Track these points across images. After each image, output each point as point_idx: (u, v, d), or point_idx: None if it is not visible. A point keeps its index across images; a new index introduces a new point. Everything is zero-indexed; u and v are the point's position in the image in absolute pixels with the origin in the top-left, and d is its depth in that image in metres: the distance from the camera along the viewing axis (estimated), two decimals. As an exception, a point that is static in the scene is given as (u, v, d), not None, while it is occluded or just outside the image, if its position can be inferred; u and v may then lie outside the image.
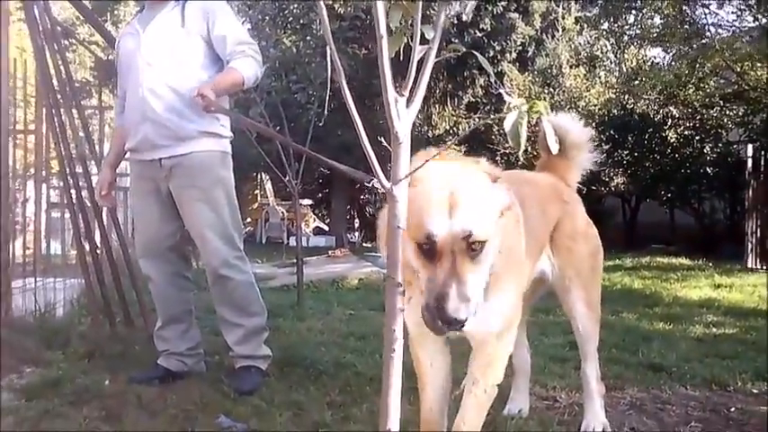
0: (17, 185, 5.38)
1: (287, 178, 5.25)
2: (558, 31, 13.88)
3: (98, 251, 3.81)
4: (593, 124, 11.25)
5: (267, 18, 8.22)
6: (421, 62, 1.36)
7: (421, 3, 1.32)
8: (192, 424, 2.55)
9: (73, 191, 3.76)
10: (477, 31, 12.53)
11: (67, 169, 3.61)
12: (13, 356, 3.30)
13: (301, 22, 10.39)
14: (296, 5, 9.83)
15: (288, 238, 12.47)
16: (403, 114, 1.33)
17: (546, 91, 13.05)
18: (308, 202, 14.50)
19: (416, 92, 1.36)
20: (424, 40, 1.37)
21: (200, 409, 2.70)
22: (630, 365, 3.42)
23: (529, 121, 1.26)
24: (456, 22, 12.21)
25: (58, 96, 3.62)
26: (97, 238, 3.96)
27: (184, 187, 2.96)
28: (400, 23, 1.38)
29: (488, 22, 12.50)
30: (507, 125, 1.22)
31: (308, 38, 8.12)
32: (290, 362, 3.30)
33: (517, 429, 2.52)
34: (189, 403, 2.75)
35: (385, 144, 1.47)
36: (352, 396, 2.87)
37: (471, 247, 1.49)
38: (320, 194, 15.42)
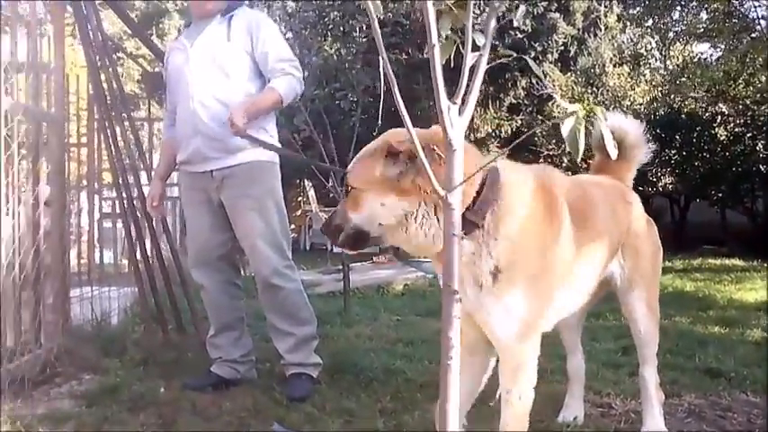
0: (71, 197, 5.55)
1: (330, 184, 5.29)
2: (600, 29, 13.67)
3: (150, 260, 3.88)
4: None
5: (308, 26, 8.29)
6: (472, 69, 1.36)
7: (472, 10, 1.32)
8: (246, 431, 2.59)
9: (125, 201, 3.85)
10: (517, 33, 12.43)
11: (120, 180, 3.70)
12: (73, 364, 3.40)
13: (342, 29, 10.46)
14: (336, 13, 9.90)
15: (331, 245, 12.49)
16: (456, 122, 1.33)
17: (589, 91, 12.84)
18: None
19: (469, 99, 1.36)
20: (474, 47, 1.37)
21: (254, 416, 2.74)
22: (686, 371, 3.34)
23: (586, 126, 1.24)
24: (496, 24, 12.10)
25: (111, 110, 3.71)
26: (148, 247, 4.05)
27: (235, 197, 3.01)
28: (450, 31, 1.38)
29: (529, 23, 12.38)
30: (565, 131, 1.21)
31: (349, 45, 8.15)
32: (339, 369, 3.32)
33: (573, 437, 2.49)
34: (242, 410, 2.80)
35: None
36: (403, 403, 2.87)
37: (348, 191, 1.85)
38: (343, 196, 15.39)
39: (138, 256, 3.86)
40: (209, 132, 2.98)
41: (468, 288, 1.82)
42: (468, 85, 1.34)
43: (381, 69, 1.29)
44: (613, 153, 1.36)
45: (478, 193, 1.79)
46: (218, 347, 3.18)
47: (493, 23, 1.38)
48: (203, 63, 3.02)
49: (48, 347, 3.34)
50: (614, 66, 13.34)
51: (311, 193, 13.52)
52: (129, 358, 3.55)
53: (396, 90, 1.30)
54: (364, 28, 8.29)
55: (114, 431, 2.59)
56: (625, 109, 11.82)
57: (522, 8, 1.75)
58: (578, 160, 1.31)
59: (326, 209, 14.27)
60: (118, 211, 7.21)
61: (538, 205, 1.88)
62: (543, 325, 1.96)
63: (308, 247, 13.58)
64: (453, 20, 1.34)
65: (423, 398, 2.86)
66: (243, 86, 3.02)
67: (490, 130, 13.47)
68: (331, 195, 13.44)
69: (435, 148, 1.66)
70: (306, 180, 13.43)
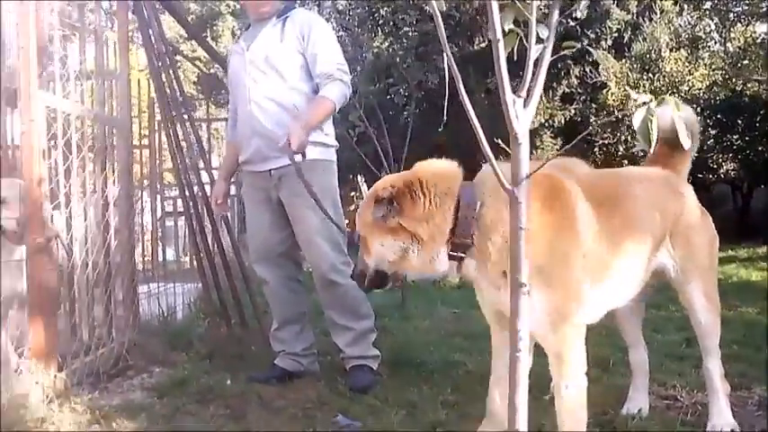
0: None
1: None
2: (655, 13, 13.28)
3: (213, 256, 3.99)
4: (699, 109, 10.69)
5: (359, 23, 8.34)
6: (535, 61, 1.37)
7: (536, 2, 1.33)
8: (311, 422, 2.65)
9: (188, 200, 3.97)
10: (570, 21, 12.20)
11: (183, 179, 3.81)
12: (144, 357, 3.54)
13: (392, 24, 10.47)
14: (386, 9, 9.92)
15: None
16: (521, 115, 1.34)
17: (645, 77, 12.52)
18: (402, 201, 14.49)
19: (533, 92, 1.36)
20: (537, 40, 1.37)
21: (318, 408, 2.80)
22: (755, 363, 3.25)
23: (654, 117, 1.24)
24: (547, 12, 11.93)
25: (173, 111, 3.83)
26: (211, 244, 4.16)
27: (293, 195, 3.07)
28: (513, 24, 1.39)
29: (583, 6, 12.12)
30: (636, 122, 1.21)
31: (400, 40, 8.16)
32: (399, 361, 3.35)
33: (639, 429, 2.46)
34: (307, 402, 2.86)
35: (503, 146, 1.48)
36: (464, 395, 2.88)
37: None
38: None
39: (201, 252, 3.97)
40: (266, 133, 3.05)
41: (493, 292, 1.98)
42: (532, 78, 1.34)
43: (446, 66, 1.31)
44: (687, 143, 1.37)
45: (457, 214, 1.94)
46: (282, 341, 3.25)
47: (556, 15, 1.38)
48: (259, 65, 3.09)
49: (119, 342, 3.49)
50: (671, 50, 12.93)
51: (364, 188, 13.60)
52: (195, 352, 3.67)
53: (461, 86, 1.32)
54: (414, 22, 8.27)
55: (186, 422, 2.68)
56: (683, 94, 11.50)
57: (585, 1, 1.74)
58: (650, 151, 1.31)
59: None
60: (179, 209, 7.45)
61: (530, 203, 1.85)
62: (579, 315, 1.96)
63: (361, 242, 13.66)
64: (516, 13, 1.35)
65: (483, 390, 2.86)
66: (297, 86, 3.09)
67: (543, 120, 13.27)
68: (383, 189, 13.53)
69: (414, 188, 1.94)
70: (359, 175, 13.57)
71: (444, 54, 1.31)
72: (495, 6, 1.26)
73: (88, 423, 2.60)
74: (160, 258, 6.52)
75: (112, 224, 3.51)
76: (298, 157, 2.86)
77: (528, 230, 1.57)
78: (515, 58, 1.43)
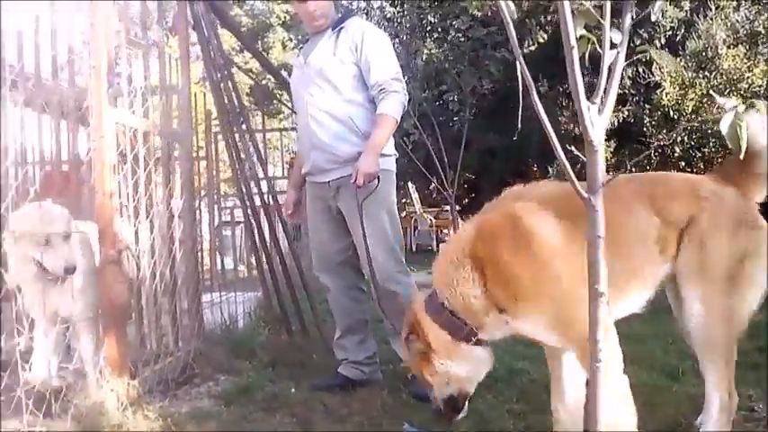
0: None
1: (431, 186, 5.31)
2: (710, 9, 12.92)
3: (273, 265, 4.05)
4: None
5: (408, 29, 8.36)
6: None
7: (610, 7, 1.30)
8: (377, 430, 2.65)
9: (249, 209, 4.03)
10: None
11: (243, 189, 3.88)
12: (209, 366, 3.60)
13: (440, 30, 10.46)
14: (435, 15, 9.91)
15: (437, 245, 12.55)
16: (596, 122, 1.31)
17: (701, 75, 12.17)
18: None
19: (608, 98, 1.34)
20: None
21: (383, 416, 2.80)
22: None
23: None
24: (599, 13, 11.71)
25: (232, 123, 3.90)
26: (271, 253, 4.22)
27: (351, 206, 3.09)
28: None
29: (634, 9, 11.88)
30: (724, 127, 1.17)
31: (450, 46, 8.14)
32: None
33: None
34: (372, 410, 2.86)
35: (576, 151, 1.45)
36: (530, 404, 2.84)
37: None
38: (467, 200, 15.49)
39: (262, 261, 4.02)
40: (323, 146, 3.11)
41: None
42: (606, 84, 1.32)
43: (519, 73, 1.29)
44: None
45: None
46: (344, 349, 3.27)
47: (629, 20, 1.35)
48: (315, 79, 3.14)
49: (186, 350, 3.56)
50: (728, 47, 12.55)
51: (415, 195, 13.62)
52: (258, 360, 3.72)
53: (534, 93, 1.30)
54: (467, 28, 8.25)
55: (254, 430, 2.72)
56: (742, 92, 11.13)
57: (660, 2, 1.70)
58: (741, 157, 1.27)
59: (430, 209, 14.35)
60: (236, 219, 7.57)
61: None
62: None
63: (413, 248, 13.67)
64: (587, 18, 1.33)
65: (548, 399, 2.82)
66: (352, 98, 3.12)
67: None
68: (434, 196, 13.48)
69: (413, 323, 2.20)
70: (409, 182, 13.56)
71: (517, 61, 1.29)
72: (567, 11, 1.24)
73: (161, 429, 2.66)
74: (218, 268, 6.65)
75: (177, 235, 3.59)
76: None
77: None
78: (587, 64, 1.41)
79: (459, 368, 2.20)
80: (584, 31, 1.32)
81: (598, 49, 1.36)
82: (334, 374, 3.27)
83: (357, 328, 3.26)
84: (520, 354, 3.73)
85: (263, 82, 8.58)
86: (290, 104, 9.41)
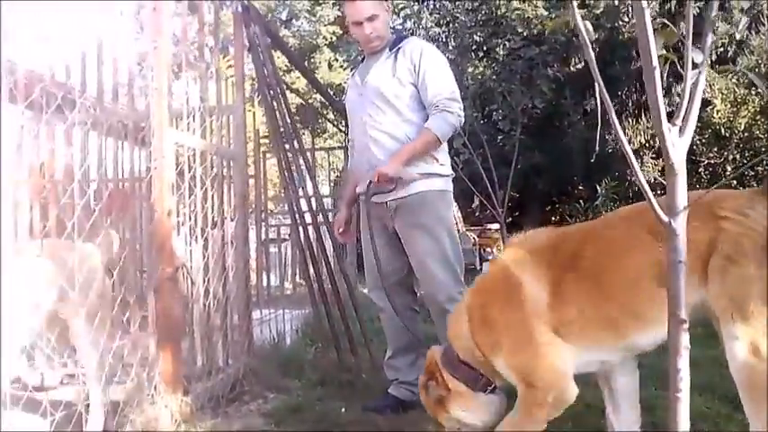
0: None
1: (475, 204, 5.28)
2: (763, 24, 12.62)
3: (322, 283, 4.06)
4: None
5: (457, 49, 8.39)
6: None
7: (692, 26, 1.28)
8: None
9: (299, 227, 4.06)
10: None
11: (295, 207, 3.92)
12: (258, 383, 3.62)
13: (485, 49, 10.47)
14: (479, 34, 9.93)
15: (480, 264, 12.45)
16: (677, 143, 1.29)
17: (753, 92, 11.88)
18: (496, 226, 14.43)
19: (689, 119, 1.31)
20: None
21: (436, 438, 2.77)
22: None
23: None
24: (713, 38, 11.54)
25: (285, 142, 3.96)
26: (320, 271, 4.24)
27: (408, 226, 3.10)
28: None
29: (683, 26, 11.69)
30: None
31: (495, 65, 8.14)
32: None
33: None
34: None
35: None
36: (585, 429, 2.77)
37: None
38: (510, 219, 15.40)
39: (312, 279, 4.04)
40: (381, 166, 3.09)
41: None
42: (687, 105, 1.29)
43: (597, 94, 1.28)
44: None
45: None
46: (396, 369, 3.25)
47: (710, 39, 1.33)
48: (373, 100, 3.15)
49: (236, 367, 3.59)
50: (782, 63, 12.25)
51: (458, 213, 13.59)
52: (307, 379, 3.73)
53: (613, 115, 1.28)
54: (515, 47, 8.25)
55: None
56: (798, 109, 10.82)
57: (745, 19, 1.66)
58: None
59: (473, 228, 14.28)
60: (282, 236, 7.65)
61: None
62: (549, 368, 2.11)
63: (456, 267, 13.59)
64: (666, 37, 1.31)
65: (605, 424, 2.75)
66: (410, 119, 3.12)
67: (643, 141, 12.82)
68: (477, 215, 13.40)
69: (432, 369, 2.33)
70: (454, 203, 13.57)
71: (596, 82, 1.27)
72: (649, 30, 1.22)
73: (214, 447, 2.69)
74: (264, 285, 6.72)
75: (230, 253, 3.64)
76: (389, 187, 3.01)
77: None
78: (664, 85, 1.38)
79: (474, 417, 2.30)
80: (663, 51, 1.30)
81: (680, 69, 1.34)
82: (384, 395, 3.25)
83: (409, 349, 3.24)
84: (575, 377, 3.66)
85: (310, 101, 8.70)
86: (335, 123, 9.55)
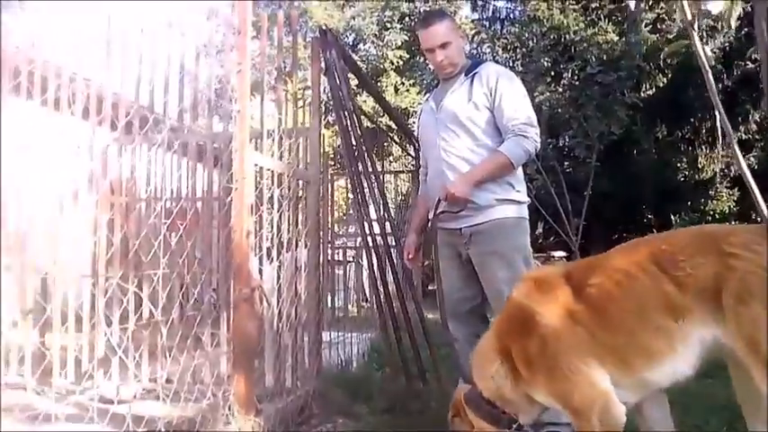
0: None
1: (539, 231, 5.16)
2: None
3: (394, 308, 4.02)
4: None
5: (531, 75, 8.31)
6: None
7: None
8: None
9: (371, 250, 4.04)
10: (748, 63, 11.42)
11: (368, 231, 3.91)
12: (327, 407, 3.60)
13: (552, 74, 10.34)
14: (546, 59, 9.83)
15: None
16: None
17: None
18: (561, 254, 14.13)
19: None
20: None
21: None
22: None
23: None
24: (723, 54, 11.26)
25: (359, 165, 3.97)
26: (390, 294, 4.20)
27: (484, 254, 3.04)
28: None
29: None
30: None
31: (582, 91, 7.98)
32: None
33: None
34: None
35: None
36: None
37: None
38: (577, 246, 15.11)
39: (383, 303, 4.01)
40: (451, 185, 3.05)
41: None
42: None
43: (719, 123, 1.21)
44: None
45: None
46: (470, 400, 3.17)
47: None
48: (449, 125, 3.12)
49: (305, 390, 3.58)
50: None
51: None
52: (376, 404, 3.68)
53: (734, 141, 1.21)
54: (584, 71, 8.12)
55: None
56: None
57: None
58: None
59: (537, 255, 14.03)
60: (347, 258, 7.67)
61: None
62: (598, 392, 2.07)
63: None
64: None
65: None
66: (486, 144, 3.07)
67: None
68: (539, 241, 13.16)
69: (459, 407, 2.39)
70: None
71: (716, 110, 1.21)
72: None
73: (286, 470, 2.66)
74: (329, 307, 6.71)
75: (303, 275, 3.66)
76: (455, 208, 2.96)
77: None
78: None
79: None
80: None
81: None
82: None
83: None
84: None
85: (372, 126, 8.79)
86: (403, 147, 9.57)
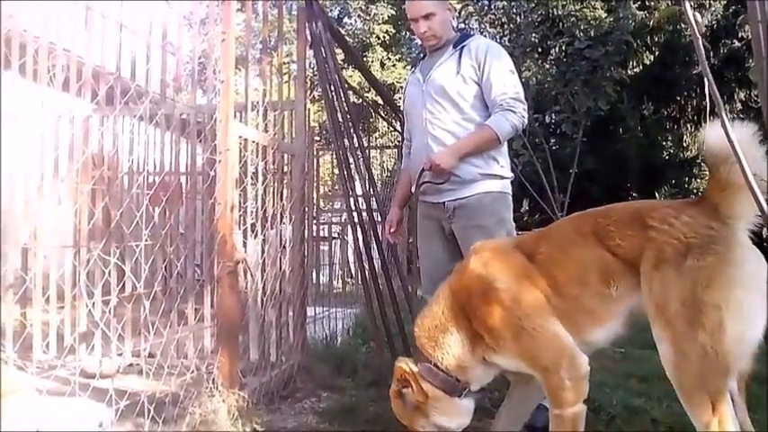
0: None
1: (524, 208, 5.18)
2: None
3: (378, 283, 4.02)
4: None
5: (518, 50, 8.24)
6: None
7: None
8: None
9: (356, 225, 4.03)
10: (734, 41, 11.43)
11: (354, 206, 3.88)
12: (311, 381, 3.61)
13: (539, 49, 10.29)
14: (534, 35, 9.75)
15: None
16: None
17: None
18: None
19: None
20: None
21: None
22: None
23: None
24: (710, 32, 11.26)
25: (345, 139, 3.93)
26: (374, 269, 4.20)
27: (467, 228, 3.02)
28: None
29: (747, 29, 11.30)
30: None
31: (570, 66, 7.93)
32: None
33: None
34: (482, 437, 2.77)
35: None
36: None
37: None
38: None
39: (368, 278, 4.01)
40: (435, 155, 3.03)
41: None
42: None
43: (707, 91, 1.19)
44: None
45: None
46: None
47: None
48: (435, 97, 3.08)
49: (290, 364, 3.58)
50: None
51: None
52: (360, 379, 3.69)
53: (724, 115, 1.20)
54: (572, 46, 8.06)
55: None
56: None
57: None
58: None
59: (521, 232, 14.08)
60: (332, 235, 7.66)
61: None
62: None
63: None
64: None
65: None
66: (472, 118, 3.05)
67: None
68: (525, 218, 13.22)
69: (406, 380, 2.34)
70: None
71: (705, 78, 1.19)
72: (761, 28, 1.13)
73: (270, 443, 2.67)
74: (314, 282, 6.72)
75: (287, 249, 3.63)
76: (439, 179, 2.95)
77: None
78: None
79: (453, 421, 2.38)
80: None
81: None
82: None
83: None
84: (634, 389, 3.55)
85: (359, 101, 8.72)
86: (389, 122, 9.52)
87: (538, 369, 2.22)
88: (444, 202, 3.07)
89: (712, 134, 2.05)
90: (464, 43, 3.11)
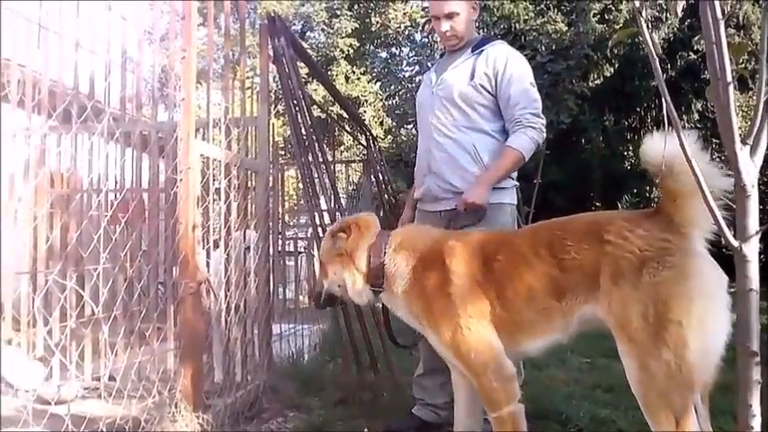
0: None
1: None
2: (784, 41, 12.51)
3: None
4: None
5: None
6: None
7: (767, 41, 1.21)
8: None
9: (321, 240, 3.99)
10: (690, 53, 11.73)
11: (318, 222, 3.84)
12: (278, 401, 3.55)
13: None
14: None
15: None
16: (749, 164, 1.21)
17: (774, 111, 11.76)
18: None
19: (761, 138, 1.23)
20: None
21: (460, 463, 2.68)
22: None
23: None
24: (667, 45, 11.54)
25: (309, 155, 3.90)
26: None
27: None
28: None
29: (703, 42, 11.60)
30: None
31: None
32: (542, 415, 3.17)
33: None
34: (451, 455, 2.74)
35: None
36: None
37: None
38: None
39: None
40: (440, 173, 2.99)
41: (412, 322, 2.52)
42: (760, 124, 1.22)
43: (665, 110, 1.20)
44: None
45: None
46: (424, 389, 3.15)
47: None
48: (445, 102, 3.00)
49: (255, 384, 3.51)
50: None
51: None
52: (328, 397, 3.64)
53: (680, 131, 1.21)
54: (543, 62, 8.14)
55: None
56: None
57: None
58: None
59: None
60: (298, 249, 7.58)
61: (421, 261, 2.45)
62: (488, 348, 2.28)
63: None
64: (738, 52, 1.24)
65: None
66: (482, 127, 2.96)
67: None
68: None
69: (353, 226, 2.54)
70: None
71: (663, 97, 1.20)
72: (724, 45, 1.15)
73: (236, 468, 2.61)
74: (280, 298, 6.64)
75: (252, 267, 3.58)
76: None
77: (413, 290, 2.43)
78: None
79: (353, 289, 2.55)
80: (734, 66, 1.22)
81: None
82: (409, 416, 3.16)
83: (441, 370, 3.11)
84: (600, 400, 3.56)
85: (322, 116, 8.69)
86: (354, 136, 9.50)
87: (463, 363, 2.33)
88: (441, 212, 3.01)
89: (650, 146, 2.07)
90: (482, 48, 3.00)
